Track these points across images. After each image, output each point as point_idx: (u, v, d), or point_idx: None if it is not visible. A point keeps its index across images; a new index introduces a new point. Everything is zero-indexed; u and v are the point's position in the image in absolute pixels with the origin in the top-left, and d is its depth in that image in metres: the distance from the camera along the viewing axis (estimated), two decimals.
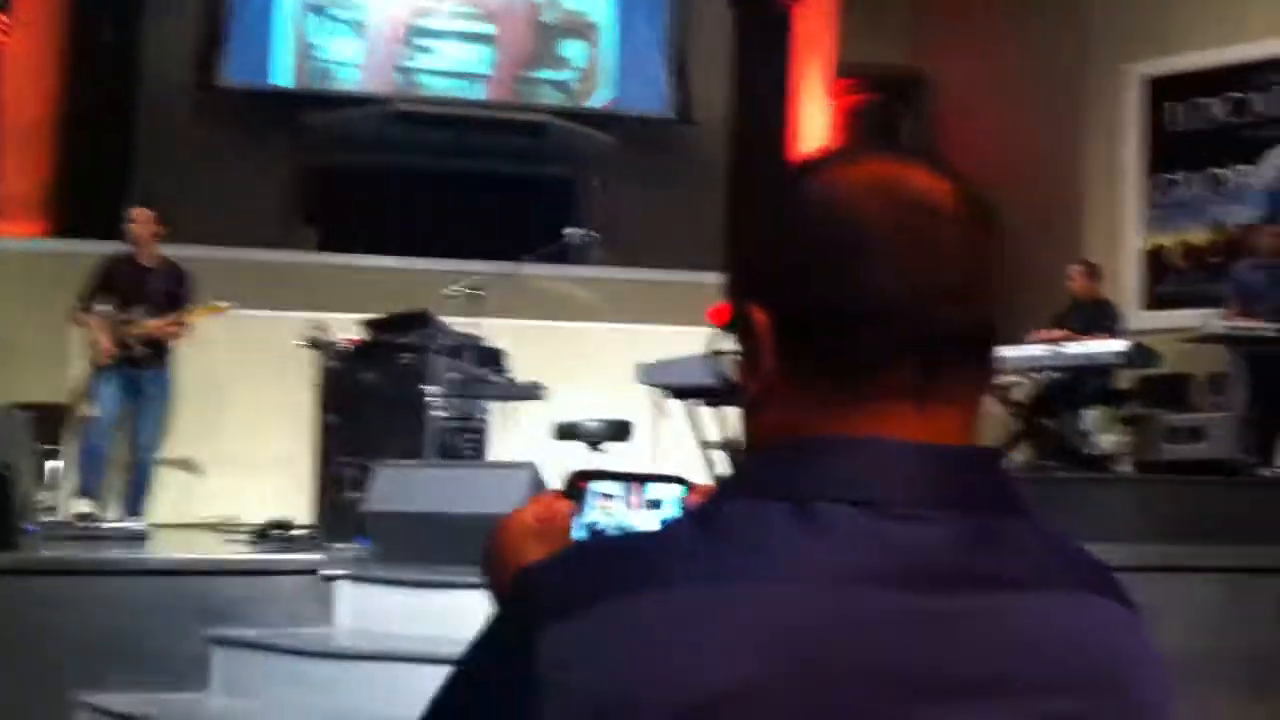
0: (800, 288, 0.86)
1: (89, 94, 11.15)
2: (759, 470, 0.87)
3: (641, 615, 0.77)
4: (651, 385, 6.78)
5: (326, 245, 10.86)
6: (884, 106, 12.79)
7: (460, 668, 0.84)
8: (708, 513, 0.85)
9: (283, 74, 11.93)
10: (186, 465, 7.89)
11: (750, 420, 0.91)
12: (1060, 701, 0.81)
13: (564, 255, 8.69)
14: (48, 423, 6.96)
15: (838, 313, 0.84)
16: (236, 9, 11.73)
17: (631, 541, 0.91)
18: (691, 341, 5.89)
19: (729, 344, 0.91)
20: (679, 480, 1.09)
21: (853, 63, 12.41)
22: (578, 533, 1.06)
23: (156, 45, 11.62)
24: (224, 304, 7.17)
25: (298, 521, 6.17)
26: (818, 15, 12.48)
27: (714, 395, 6.02)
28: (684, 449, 6.66)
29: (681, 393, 6.58)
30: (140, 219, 7.36)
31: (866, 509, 0.81)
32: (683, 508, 1.07)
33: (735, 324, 0.90)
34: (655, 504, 1.08)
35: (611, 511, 1.07)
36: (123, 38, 11.41)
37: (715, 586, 0.78)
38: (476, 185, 12.08)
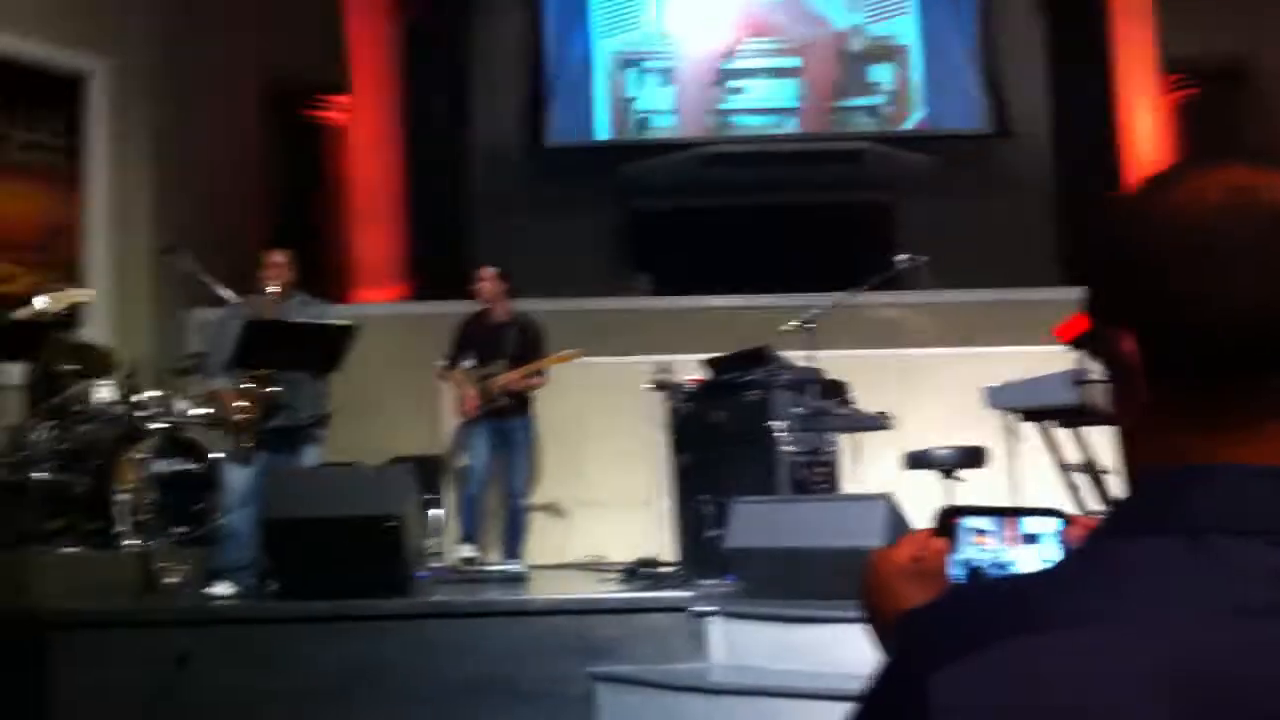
0: (1164, 310, 0.82)
1: (429, 164, 11.90)
2: (1145, 503, 0.83)
3: (1037, 658, 0.75)
4: (1002, 409, 6.62)
5: (659, 289, 11.16)
6: (1213, 100, 12.09)
7: (855, 713, 0.83)
8: (1097, 550, 0.83)
9: (603, 128, 12.39)
10: (554, 508, 8.25)
11: (1127, 449, 0.88)
12: None
13: (895, 282, 8.62)
14: (425, 473, 7.40)
15: (1208, 334, 0.80)
16: (557, 71, 12.28)
17: (1021, 582, 0.88)
18: (1036, 361, 5.74)
19: (1094, 370, 0.88)
20: (1055, 513, 1.06)
21: (1175, 57, 11.81)
22: (953, 570, 1.04)
23: (486, 113, 12.31)
24: (573, 351, 7.44)
25: (663, 559, 6.33)
26: (1134, 11, 11.96)
27: (1070, 416, 5.81)
28: (1041, 473, 6.48)
29: (1035, 415, 6.40)
30: (487, 277, 7.71)
31: (1262, 539, 0.77)
32: (1061, 542, 1.04)
33: (1098, 349, 0.87)
34: (1031, 539, 1.05)
35: (986, 548, 1.05)
36: (455, 108, 12.14)
37: (1112, 627, 0.75)
38: (797, 218, 12.15)
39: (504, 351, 7.56)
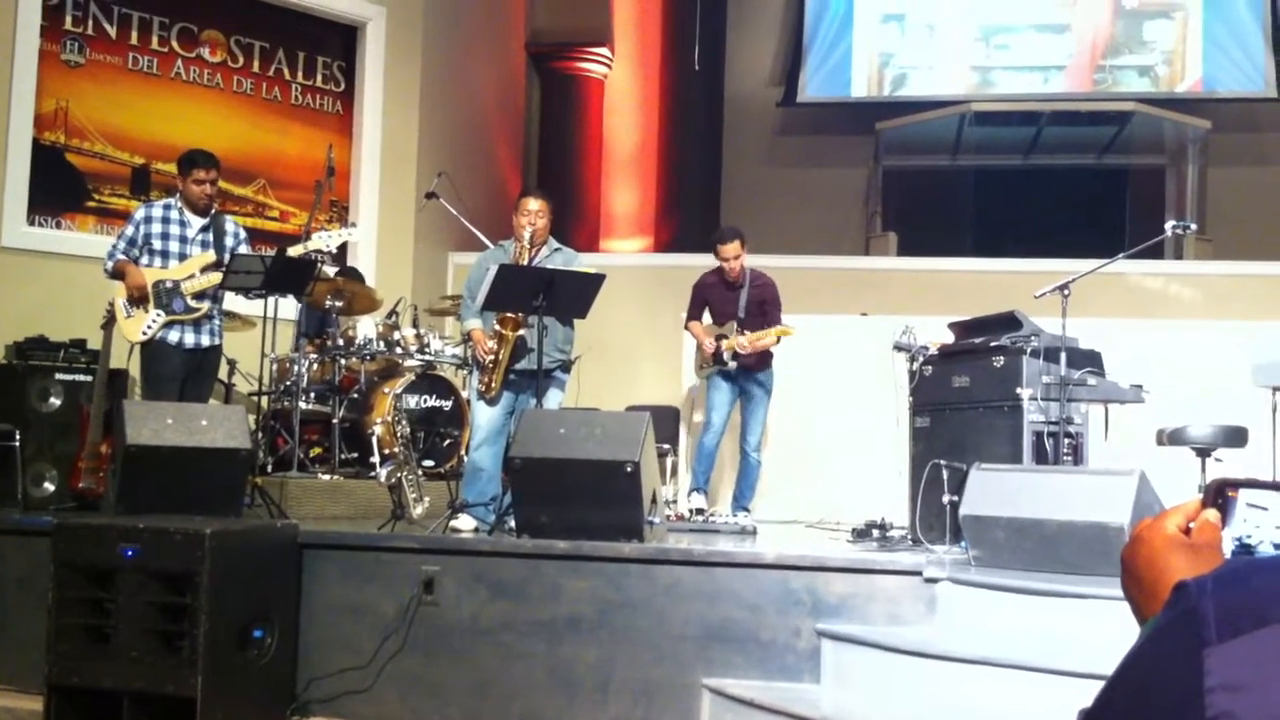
0: None
1: (683, 119, 11.99)
2: None
3: None
4: (1269, 386, 6.29)
5: (906, 249, 10.99)
6: None
7: (1118, 682, 0.82)
8: None
9: (860, 84, 12.21)
10: (787, 464, 8.26)
11: None
12: None
13: (1158, 250, 8.25)
14: (662, 422, 7.53)
15: None
16: (815, 27, 12.15)
17: None
18: None
19: None
20: None
21: None
22: (1224, 546, 0.99)
23: (741, 70, 12.31)
24: (791, 328, 7.32)
25: (893, 522, 6.27)
26: None
27: None
28: None
29: None
30: (736, 254, 7.53)
31: None
32: None
33: None
34: None
35: (1261, 525, 1.00)
36: (711, 63, 12.19)
37: None
38: (1058, 181, 11.76)
39: (738, 312, 7.58)
